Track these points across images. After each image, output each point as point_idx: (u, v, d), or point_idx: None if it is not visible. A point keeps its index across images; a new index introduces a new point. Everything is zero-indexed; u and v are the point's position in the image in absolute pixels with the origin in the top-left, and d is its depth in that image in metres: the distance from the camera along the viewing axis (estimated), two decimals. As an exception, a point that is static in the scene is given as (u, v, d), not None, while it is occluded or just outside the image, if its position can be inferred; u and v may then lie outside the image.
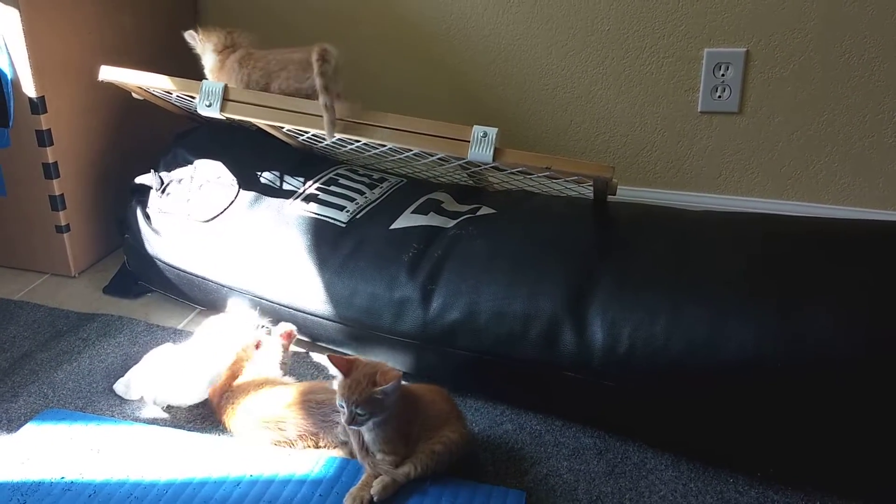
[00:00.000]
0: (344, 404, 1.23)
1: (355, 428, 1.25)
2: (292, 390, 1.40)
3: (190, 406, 1.47)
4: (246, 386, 1.43)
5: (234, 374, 1.46)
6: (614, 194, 1.61)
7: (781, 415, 1.26)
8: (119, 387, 1.52)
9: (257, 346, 1.51)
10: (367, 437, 1.29)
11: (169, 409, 1.48)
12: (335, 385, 1.44)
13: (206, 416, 1.46)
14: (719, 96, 1.97)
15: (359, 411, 1.22)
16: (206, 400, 1.47)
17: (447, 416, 1.34)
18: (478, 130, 1.51)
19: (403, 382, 1.28)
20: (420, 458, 1.27)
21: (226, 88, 1.61)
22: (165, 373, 1.48)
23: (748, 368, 1.26)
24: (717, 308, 1.32)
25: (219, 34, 1.78)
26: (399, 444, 1.28)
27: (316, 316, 1.58)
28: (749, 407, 1.27)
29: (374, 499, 1.23)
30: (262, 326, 1.57)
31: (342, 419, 1.25)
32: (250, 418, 1.38)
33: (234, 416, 1.40)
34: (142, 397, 1.50)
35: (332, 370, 1.28)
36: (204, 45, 1.78)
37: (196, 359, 1.48)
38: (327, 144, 1.73)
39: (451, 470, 1.30)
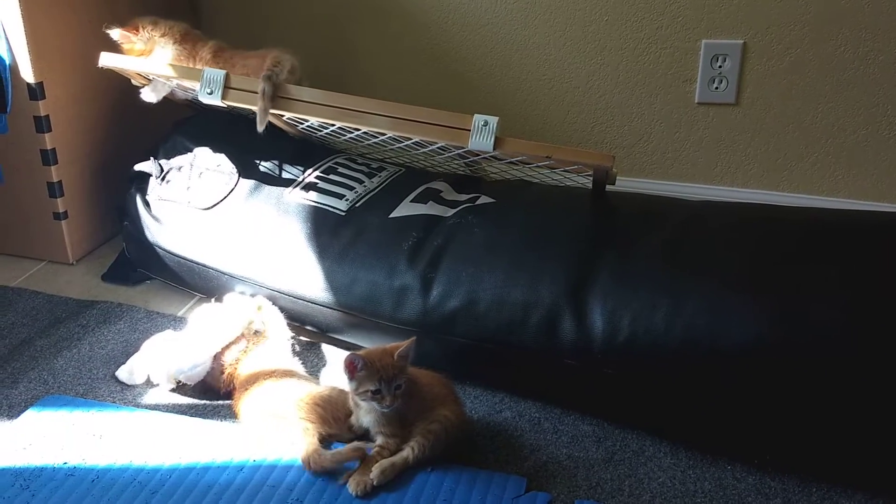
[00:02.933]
0: (384, 388, 1.27)
1: (393, 407, 1.29)
2: (306, 395, 1.37)
3: (197, 382, 1.48)
4: (257, 375, 1.43)
5: (241, 349, 1.48)
6: (613, 184, 1.62)
7: (780, 402, 1.27)
8: (122, 373, 1.52)
9: (259, 309, 1.55)
10: (367, 420, 1.31)
11: (176, 388, 1.49)
12: (327, 378, 1.47)
13: (207, 403, 1.47)
14: (716, 88, 1.98)
15: (398, 383, 1.28)
16: (215, 388, 1.48)
17: (443, 399, 1.36)
18: (478, 119, 1.52)
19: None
20: (417, 441, 1.29)
21: (227, 76, 1.61)
22: (168, 349, 1.50)
23: (748, 357, 1.28)
24: (717, 297, 1.33)
25: (160, 24, 1.74)
26: (397, 425, 1.31)
27: (316, 303, 1.58)
28: (748, 395, 1.29)
29: (374, 482, 1.25)
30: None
31: (382, 407, 1.28)
32: (259, 410, 1.38)
33: (244, 404, 1.40)
34: (147, 379, 1.50)
35: (342, 370, 1.30)
36: (152, 37, 1.74)
37: (197, 332, 1.51)
38: (327, 133, 1.74)
39: (449, 455, 1.31)
